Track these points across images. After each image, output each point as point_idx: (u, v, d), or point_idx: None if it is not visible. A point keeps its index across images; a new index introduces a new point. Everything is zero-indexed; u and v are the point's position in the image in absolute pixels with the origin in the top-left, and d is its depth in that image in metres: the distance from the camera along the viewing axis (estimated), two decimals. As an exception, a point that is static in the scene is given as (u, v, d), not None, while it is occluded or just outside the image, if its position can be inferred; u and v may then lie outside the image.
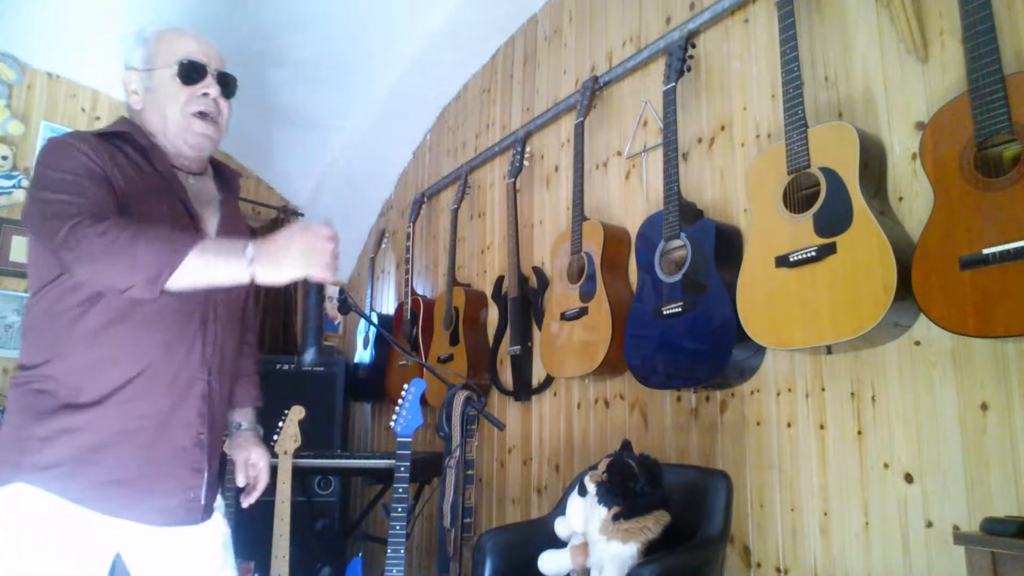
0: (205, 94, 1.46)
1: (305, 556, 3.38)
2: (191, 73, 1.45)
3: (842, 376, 1.88)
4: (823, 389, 1.92)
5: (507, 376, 3.08)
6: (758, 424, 2.07)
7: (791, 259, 1.80)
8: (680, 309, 2.11)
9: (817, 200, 1.78)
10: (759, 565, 2.03)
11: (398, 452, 2.26)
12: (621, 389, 2.55)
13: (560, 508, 2.04)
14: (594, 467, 1.87)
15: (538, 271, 2.99)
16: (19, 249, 3.64)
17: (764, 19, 2.21)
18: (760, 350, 2.06)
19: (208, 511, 1.46)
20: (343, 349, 4.77)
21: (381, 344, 4.05)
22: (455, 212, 3.58)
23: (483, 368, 3.20)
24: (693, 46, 2.37)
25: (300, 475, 2.79)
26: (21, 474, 1.26)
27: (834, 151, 1.76)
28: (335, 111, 3.98)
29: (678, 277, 2.15)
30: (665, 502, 1.78)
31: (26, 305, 1.38)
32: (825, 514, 1.88)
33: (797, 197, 1.85)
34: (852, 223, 1.70)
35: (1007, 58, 1.54)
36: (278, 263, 1.23)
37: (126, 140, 1.42)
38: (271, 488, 2.55)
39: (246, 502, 1.66)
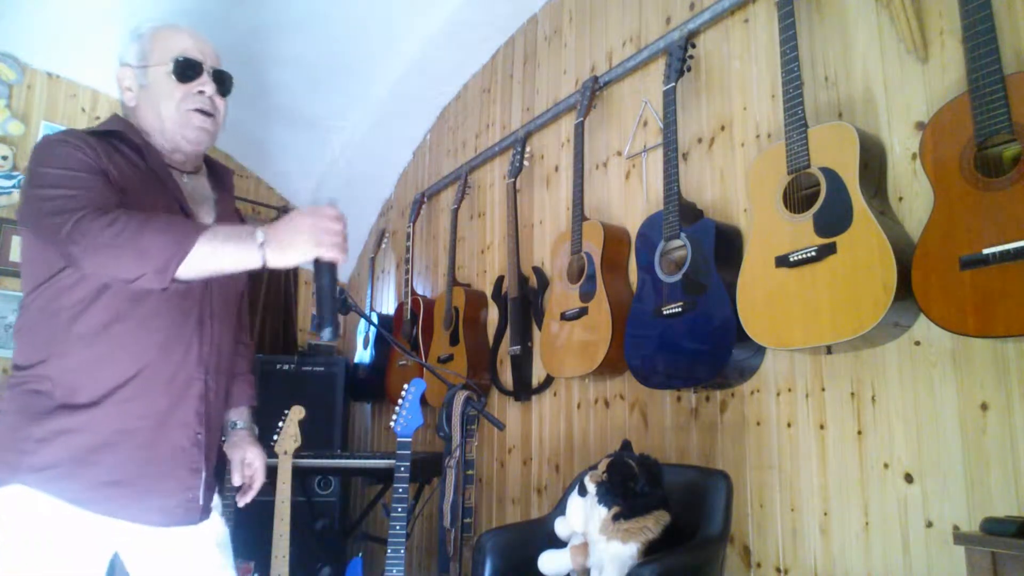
0: (201, 92, 1.45)
1: (305, 556, 3.38)
2: (187, 70, 1.44)
3: (842, 376, 1.88)
4: (823, 389, 1.92)
5: (507, 376, 3.08)
6: (758, 424, 2.07)
7: (791, 259, 1.80)
8: (680, 309, 2.11)
9: (817, 200, 1.78)
10: (759, 565, 2.03)
11: (398, 452, 2.26)
12: (621, 389, 2.55)
13: (560, 508, 2.04)
14: (594, 467, 1.87)
15: (538, 271, 2.99)
16: (19, 249, 3.64)
17: (764, 19, 2.21)
18: (760, 350, 2.06)
19: (207, 511, 1.46)
20: (343, 349, 4.77)
21: (381, 344, 4.05)
22: (455, 212, 3.58)
23: (483, 368, 3.20)
24: (693, 46, 2.37)
25: (300, 475, 2.79)
26: (19, 476, 1.26)
27: (834, 151, 1.76)
28: (335, 111, 3.98)
29: (678, 277, 2.15)
30: (665, 502, 1.78)
31: (20, 304, 1.36)
32: (825, 514, 1.88)
33: (797, 197, 1.85)
34: (852, 223, 1.70)
35: (1007, 58, 1.54)
36: (289, 244, 1.23)
37: (120, 138, 1.41)
38: (271, 488, 2.56)
39: (242, 501, 1.66)
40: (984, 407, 1.60)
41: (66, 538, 1.28)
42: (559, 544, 1.96)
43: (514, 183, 3.14)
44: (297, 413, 2.69)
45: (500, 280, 3.20)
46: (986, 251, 1.46)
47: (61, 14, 3.36)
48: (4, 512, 1.26)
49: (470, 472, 2.47)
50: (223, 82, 1.50)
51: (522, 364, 2.97)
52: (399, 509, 2.20)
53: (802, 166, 1.82)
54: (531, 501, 2.94)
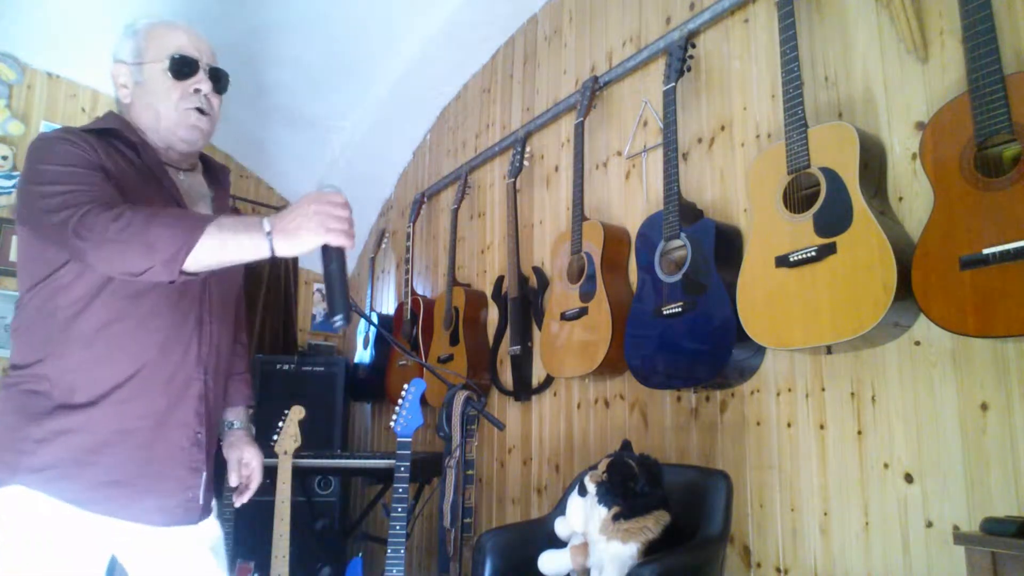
0: (197, 90, 1.45)
1: (305, 556, 3.38)
2: (183, 68, 1.43)
3: (842, 376, 1.88)
4: (823, 389, 1.92)
5: (507, 376, 3.08)
6: (758, 424, 2.07)
7: (791, 259, 1.80)
8: (680, 309, 2.11)
9: (817, 200, 1.78)
10: (759, 565, 2.03)
11: (398, 452, 2.26)
12: (621, 389, 2.55)
13: (560, 508, 2.04)
14: (594, 467, 1.87)
15: (538, 271, 2.99)
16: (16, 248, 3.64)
17: (764, 19, 2.20)
18: (760, 350, 2.06)
19: (207, 510, 1.46)
20: (343, 349, 4.77)
21: (381, 344, 4.05)
22: (455, 212, 3.58)
23: (483, 368, 3.20)
24: (693, 46, 2.37)
25: (300, 475, 2.79)
26: (18, 476, 1.26)
27: (834, 151, 1.76)
28: (335, 111, 3.98)
29: (678, 277, 2.15)
30: (665, 502, 1.78)
31: (17, 304, 1.35)
32: (825, 514, 1.88)
33: (797, 197, 1.85)
34: (852, 223, 1.70)
35: (1007, 58, 1.54)
36: (296, 231, 1.21)
37: (116, 136, 1.40)
38: (271, 488, 2.56)
39: (239, 502, 1.66)
40: (984, 407, 1.60)
41: (66, 538, 1.27)
42: (559, 544, 1.96)
43: (514, 183, 3.13)
44: (297, 413, 2.69)
45: (500, 280, 3.20)
46: (986, 251, 1.46)
47: (61, 14, 3.36)
48: (4, 513, 1.25)
49: (470, 472, 2.47)
50: (219, 80, 1.49)
51: (522, 364, 2.97)
52: (399, 509, 2.20)
53: (802, 166, 1.82)
54: (531, 501, 2.94)
